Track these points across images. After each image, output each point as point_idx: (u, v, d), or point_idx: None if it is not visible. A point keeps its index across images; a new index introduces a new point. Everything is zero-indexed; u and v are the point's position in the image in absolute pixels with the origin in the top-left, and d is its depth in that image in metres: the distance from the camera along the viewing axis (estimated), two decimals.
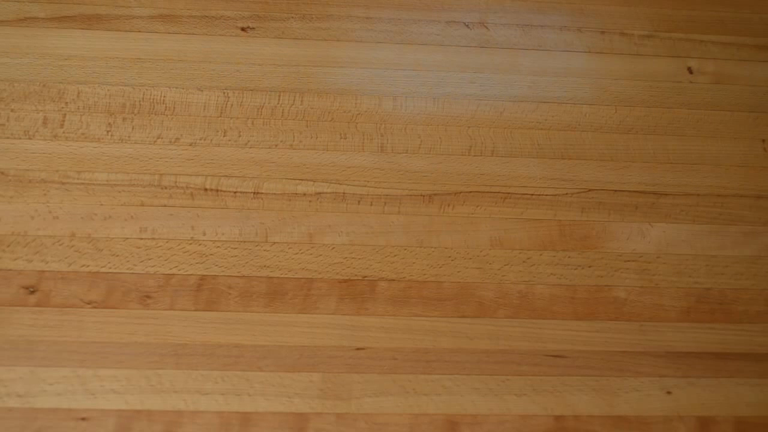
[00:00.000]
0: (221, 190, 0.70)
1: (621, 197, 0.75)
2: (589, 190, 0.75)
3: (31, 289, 0.65)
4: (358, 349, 0.65)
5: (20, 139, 0.71)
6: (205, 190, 0.70)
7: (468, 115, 0.77)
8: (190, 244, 0.68)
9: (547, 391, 0.66)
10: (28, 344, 0.63)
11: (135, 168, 0.71)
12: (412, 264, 0.70)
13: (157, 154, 0.72)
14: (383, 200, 0.72)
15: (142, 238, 0.68)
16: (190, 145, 0.72)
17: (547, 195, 0.74)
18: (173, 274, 0.66)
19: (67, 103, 0.73)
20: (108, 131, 0.72)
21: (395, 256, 0.70)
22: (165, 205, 0.69)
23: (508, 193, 0.74)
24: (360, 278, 0.68)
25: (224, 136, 0.73)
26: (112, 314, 0.65)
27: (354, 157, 0.73)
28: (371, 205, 0.70)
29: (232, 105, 0.74)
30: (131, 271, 0.66)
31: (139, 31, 0.78)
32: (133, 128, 0.73)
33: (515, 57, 0.81)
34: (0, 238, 0.67)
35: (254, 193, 0.70)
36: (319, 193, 0.71)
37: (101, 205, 0.69)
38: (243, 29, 0.79)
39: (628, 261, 0.72)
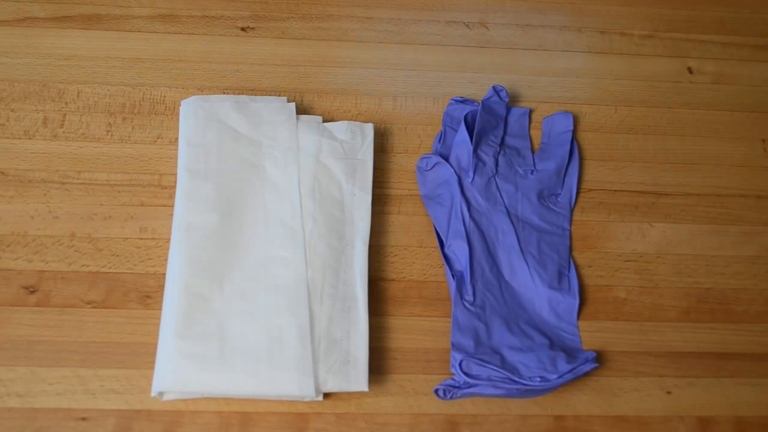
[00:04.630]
0: None
1: (621, 197, 0.75)
2: (589, 190, 0.75)
3: (31, 289, 0.65)
4: None
5: (20, 139, 0.71)
6: None
7: None
8: None
9: None
10: (28, 344, 0.63)
11: (135, 168, 0.71)
12: (412, 264, 0.70)
13: (157, 154, 0.72)
14: (383, 200, 0.72)
15: (142, 238, 0.68)
16: None
17: None
18: None
19: (67, 103, 0.73)
20: (108, 131, 0.72)
21: (395, 256, 0.70)
22: (165, 205, 0.69)
23: None
24: None
25: None
26: (112, 314, 0.65)
27: None
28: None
29: None
30: (131, 271, 0.66)
31: (139, 31, 0.78)
32: (133, 128, 0.73)
33: (515, 57, 0.81)
34: (0, 238, 0.67)
35: None
36: None
37: (101, 205, 0.69)
38: (243, 29, 0.79)
39: (628, 261, 0.72)
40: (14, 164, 0.70)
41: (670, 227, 0.74)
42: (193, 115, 0.69)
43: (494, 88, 0.75)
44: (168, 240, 0.66)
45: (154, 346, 0.62)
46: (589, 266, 0.71)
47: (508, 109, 0.76)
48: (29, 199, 0.68)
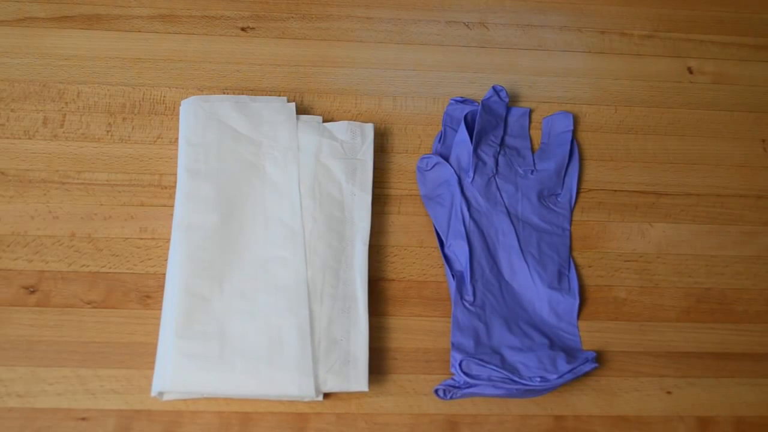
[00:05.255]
0: None
1: (621, 197, 0.75)
2: (589, 190, 0.75)
3: (31, 289, 0.65)
4: None
5: (20, 139, 0.71)
6: None
7: None
8: None
9: None
10: (28, 344, 0.63)
11: (135, 168, 0.71)
12: (412, 264, 0.70)
13: (157, 154, 0.72)
14: (383, 200, 0.72)
15: (142, 238, 0.68)
16: None
17: None
18: None
19: (67, 103, 0.73)
20: (108, 131, 0.72)
21: (395, 256, 0.70)
22: (165, 205, 0.69)
23: None
24: None
25: None
26: (112, 314, 0.65)
27: None
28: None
29: None
30: (131, 271, 0.66)
31: (139, 31, 0.78)
32: (133, 128, 0.73)
33: (515, 57, 0.81)
34: (0, 238, 0.67)
35: None
36: None
37: (101, 205, 0.69)
38: (243, 29, 0.79)
39: (628, 261, 0.72)
40: (14, 164, 0.70)
41: (670, 227, 0.74)
42: (193, 115, 0.69)
43: (494, 88, 0.75)
44: (168, 240, 0.66)
45: (154, 346, 0.62)
46: (589, 266, 0.71)
47: (508, 109, 0.76)
48: (29, 199, 0.68)
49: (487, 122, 0.73)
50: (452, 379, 0.62)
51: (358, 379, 0.61)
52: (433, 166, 0.72)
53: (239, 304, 0.62)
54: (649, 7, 0.86)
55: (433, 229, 0.70)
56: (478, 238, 0.69)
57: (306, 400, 0.62)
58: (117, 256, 0.67)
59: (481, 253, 0.68)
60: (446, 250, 0.69)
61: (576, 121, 0.78)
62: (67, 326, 0.64)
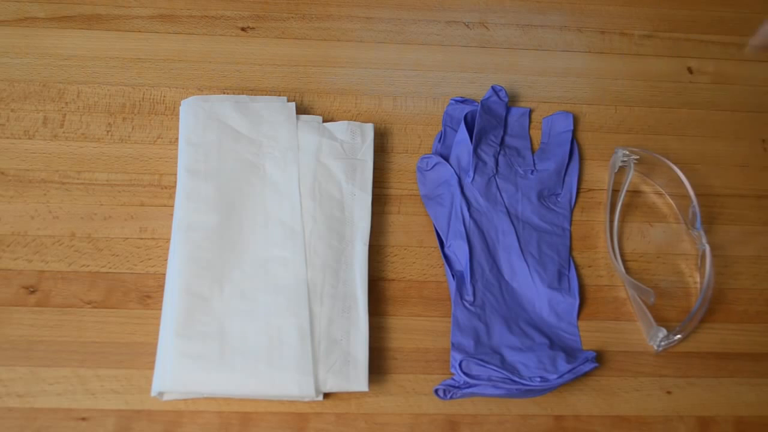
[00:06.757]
0: None
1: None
2: (589, 190, 0.75)
3: (31, 289, 0.65)
4: None
5: (20, 139, 0.71)
6: None
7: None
8: None
9: None
10: (28, 344, 0.63)
11: (135, 168, 0.71)
12: (412, 264, 0.70)
13: (157, 154, 0.72)
14: (383, 200, 0.72)
15: (142, 238, 0.68)
16: None
17: None
18: None
19: (67, 103, 0.73)
20: (108, 131, 0.72)
21: (395, 256, 0.70)
22: (165, 205, 0.69)
23: None
24: None
25: None
26: (112, 314, 0.65)
27: None
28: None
29: None
30: (131, 271, 0.66)
31: (139, 31, 0.78)
32: (133, 128, 0.73)
33: (515, 57, 0.81)
34: (0, 238, 0.67)
35: None
36: None
37: (101, 205, 0.69)
38: (243, 29, 0.79)
39: (628, 261, 0.72)
40: (14, 164, 0.70)
41: (670, 227, 0.74)
42: (193, 115, 0.69)
43: (493, 88, 0.75)
44: (168, 240, 0.66)
45: (154, 346, 0.62)
46: (589, 266, 0.71)
47: (508, 109, 0.77)
48: (29, 199, 0.68)
49: (487, 122, 0.73)
50: (452, 379, 0.62)
51: (358, 379, 0.61)
52: (433, 166, 0.72)
53: (239, 304, 0.62)
54: (649, 7, 0.86)
55: (433, 229, 0.70)
56: (478, 238, 0.69)
57: (306, 400, 0.62)
58: (117, 256, 0.67)
59: (481, 253, 0.68)
60: (446, 250, 0.69)
61: (576, 121, 0.78)
62: (67, 326, 0.64)
